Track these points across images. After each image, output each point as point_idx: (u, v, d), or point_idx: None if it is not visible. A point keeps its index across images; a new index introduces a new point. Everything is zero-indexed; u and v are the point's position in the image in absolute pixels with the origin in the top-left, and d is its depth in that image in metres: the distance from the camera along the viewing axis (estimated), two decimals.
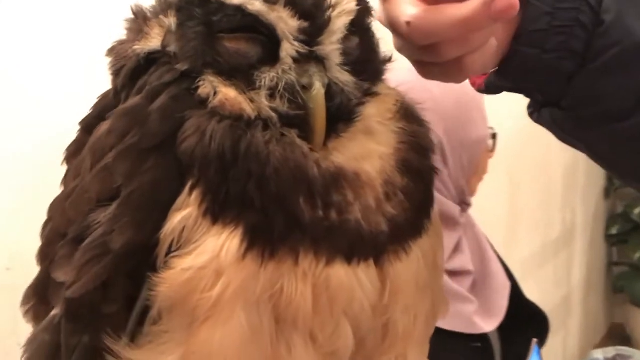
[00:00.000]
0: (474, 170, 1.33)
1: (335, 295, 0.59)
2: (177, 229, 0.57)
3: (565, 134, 0.68)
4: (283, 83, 0.59)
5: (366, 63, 0.65)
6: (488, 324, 1.29)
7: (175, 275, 0.56)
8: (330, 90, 0.60)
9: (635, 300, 4.19)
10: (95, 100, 0.67)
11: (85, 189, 0.60)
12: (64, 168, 0.68)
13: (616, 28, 0.62)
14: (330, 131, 0.60)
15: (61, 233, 0.62)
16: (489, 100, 1.36)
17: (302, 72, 0.59)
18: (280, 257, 0.57)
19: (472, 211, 1.39)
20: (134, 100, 0.60)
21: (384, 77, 0.69)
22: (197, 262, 0.56)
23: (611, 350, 2.13)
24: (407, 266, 0.63)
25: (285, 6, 0.58)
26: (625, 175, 0.72)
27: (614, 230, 4.40)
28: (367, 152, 0.62)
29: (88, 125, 0.65)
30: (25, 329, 0.67)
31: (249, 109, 0.59)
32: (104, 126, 0.61)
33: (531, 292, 1.48)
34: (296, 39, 0.59)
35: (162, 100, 0.59)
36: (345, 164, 0.60)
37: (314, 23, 0.59)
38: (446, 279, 1.26)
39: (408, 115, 0.67)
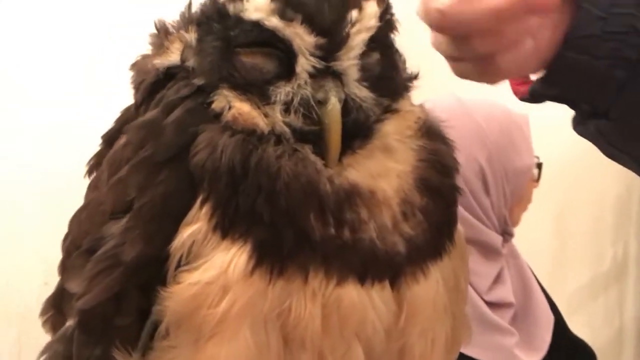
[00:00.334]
0: (518, 199, 1.31)
1: (346, 316, 0.57)
2: (186, 243, 0.56)
3: (611, 145, 0.65)
4: (298, 98, 0.59)
5: (387, 79, 0.64)
6: (530, 357, 1.25)
7: (183, 290, 0.56)
8: (347, 106, 0.59)
9: None
10: (118, 115, 0.68)
11: (101, 201, 0.61)
12: None
13: None
14: (346, 147, 0.59)
15: (77, 245, 0.62)
16: (537, 128, 1.34)
17: (318, 87, 0.59)
18: (289, 275, 0.56)
19: (517, 241, 1.36)
20: (150, 113, 0.61)
21: (407, 94, 0.67)
22: (204, 277, 0.55)
23: None
24: (425, 289, 0.61)
25: (302, 23, 0.58)
26: None
27: None
28: (384, 170, 0.60)
29: (109, 139, 0.66)
30: None
31: (262, 124, 0.59)
32: (122, 139, 0.62)
33: (579, 328, 1.42)
34: (312, 55, 0.58)
35: (177, 113, 0.59)
36: (360, 181, 0.59)
37: (332, 39, 0.58)
38: (486, 310, 1.23)
39: (430, 132, 0.65)
